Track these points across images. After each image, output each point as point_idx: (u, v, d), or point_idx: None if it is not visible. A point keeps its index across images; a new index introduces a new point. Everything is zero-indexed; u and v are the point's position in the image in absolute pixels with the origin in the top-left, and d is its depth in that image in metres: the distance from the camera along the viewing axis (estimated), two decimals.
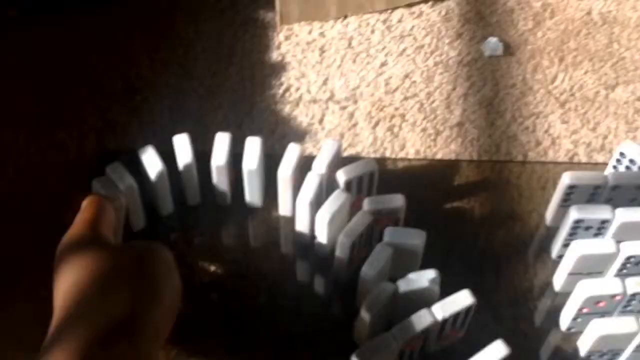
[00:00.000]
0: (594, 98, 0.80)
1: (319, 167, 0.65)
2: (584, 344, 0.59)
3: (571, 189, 0.64)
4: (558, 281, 0.64)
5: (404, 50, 0.85)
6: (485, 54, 0.84)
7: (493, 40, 0.85)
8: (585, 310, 0.59)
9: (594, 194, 0.65)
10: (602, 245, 0.60)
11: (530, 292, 0.65)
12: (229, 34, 0.86)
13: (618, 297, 0.58)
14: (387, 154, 0.75)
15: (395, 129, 0.78)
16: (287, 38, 0.86)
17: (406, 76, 0.82)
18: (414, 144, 0.76)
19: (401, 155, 0.75)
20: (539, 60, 0.84)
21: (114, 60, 0.83)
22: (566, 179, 0.64)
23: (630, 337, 0.56)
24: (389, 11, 0.89)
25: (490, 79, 0.82)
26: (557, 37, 0.86)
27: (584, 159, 0.75)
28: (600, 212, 0.62)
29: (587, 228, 0.63)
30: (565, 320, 0.62)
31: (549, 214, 0.69)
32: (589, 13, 0.89)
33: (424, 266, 0.60)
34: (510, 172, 0.74)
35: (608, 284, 0.58)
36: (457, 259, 0.67)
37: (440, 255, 0.64)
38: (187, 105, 0.79)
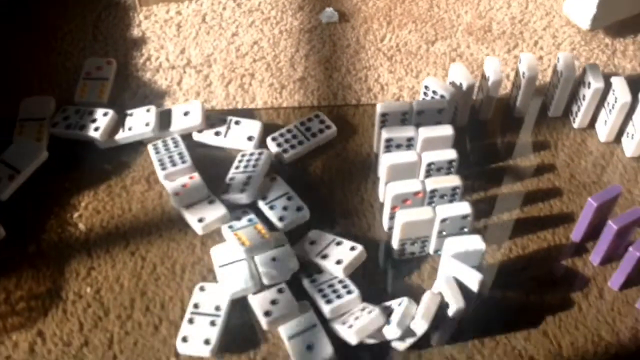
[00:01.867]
0: (416, 52, 0.94)
1: None
2: (395, 235, 0.70)
3: (384, 116, 0.77)
4: (380, 192, 0.77)
5: (253, 22, 0.97)
6: (323, 21, 0.97)
7: (329, 10, 0.97)
8: (396, 210, 0.71)
9: (403, 120, 0.77)
10: (406, 156, 0.72)
11: (361, 204, 0.77)
12: (93, 15, 0.96)
13: (420, 195, 0.70)
14: (239, 106, 0.86)
15: (246, 86, 0.89)
16: (146, 17, 0.96)
17: (255, 43, 0.94)
18: (262, 97, 0.88)
19: (251, 106, 0.86)
20: (370, 24, 0.97)
21: None
22: (379, 108, 0.77)
23: (429, 223, 0.69)
24: None
25: (328, 41, 0.95)
26: (386, 5, 1.00)
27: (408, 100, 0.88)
28: (405, 132, 0.74)
29: (398, 146, 0.75)
30: (385, 221, 0.73)
31: (375, 142, 0.81)
32: None
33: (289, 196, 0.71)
34: (345, 114, 0.86)
35: (410, 184, 0.70)
36: (304, 184, 0.78)
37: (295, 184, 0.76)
38: (54, 77, 0.88)
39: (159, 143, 0.80)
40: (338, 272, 0.68)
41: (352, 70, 0.91)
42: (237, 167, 0.77)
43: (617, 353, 0.66)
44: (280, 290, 0.68)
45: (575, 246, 0.74)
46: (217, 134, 0.81)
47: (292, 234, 0.72)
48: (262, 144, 0.81)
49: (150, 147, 0.79)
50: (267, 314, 0.66)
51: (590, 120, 0.84)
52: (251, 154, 0.78)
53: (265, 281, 0.68)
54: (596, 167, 0.81)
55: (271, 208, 0.74)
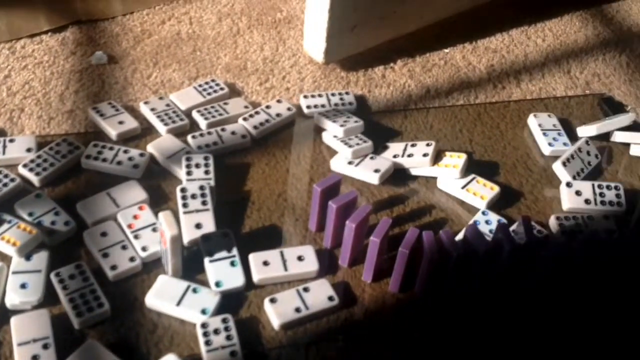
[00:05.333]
0: (179, 86, 1.05)
1: None
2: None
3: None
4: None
5: (26, 65, 1.04)
6: (93, 62, 1.06)
7: (99, 53, 1.07)
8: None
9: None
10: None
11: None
12: None
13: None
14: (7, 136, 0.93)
15: (15, 119, 0.95)
16: None
17: (26, 83, 1.01)
18: (30, 128, 0.95)
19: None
20: (137, 65, 1.08)
21: None
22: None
23: None
24: (14, 41, 1.08)
25: (97, 80, 1.04)
26: (153, 50, 1.11)
27: None
28: None
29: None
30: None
31: None
32: (178, 33, 1.15)
33: None
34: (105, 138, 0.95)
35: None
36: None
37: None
38: None
39: None
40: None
41: (119, 102, 1.00)
42: None
43: None
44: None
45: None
46: None
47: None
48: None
49: None
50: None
51: None
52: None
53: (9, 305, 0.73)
54: None
55: (38, 223, 0.81)
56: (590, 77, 1.16)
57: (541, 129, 1.02)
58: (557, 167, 0.96)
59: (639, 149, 1.01)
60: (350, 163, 0.92)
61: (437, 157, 0.95)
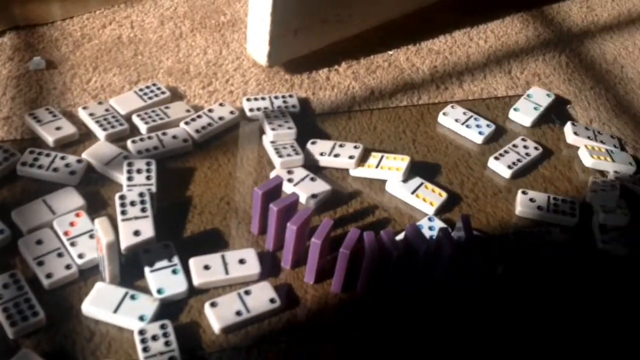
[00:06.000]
0: (120, 90, 1.04)
1: None
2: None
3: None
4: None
5: None
6: (31, 68, 1.04)
7: (37, 58, 1.05)
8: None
9: None
10: None
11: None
12: None
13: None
14: None
15: None
16: None
17: None
18: None
19: None
20: (77, 70, 1.06)
21: None
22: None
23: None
24: None
25: (35, 85, 1.02)
26: (93, 54, 1.10)
27: None
28: None
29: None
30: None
31: None
32: (119, 37, 1.14)
33: None
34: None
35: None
36: None
37: None
38: None
39: None
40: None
41: (57, 108, 0.98)
42: None
43: None
44: None
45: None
46: None
47: None
48: None
49: None
50: None
51: None
52: None
53: None
54: None
55: None
56: (531, 77, 1.18)
57: (461, 124, 1.04)
58: (492, 163, 0.99)
59: (572, 137, 1.04)
60: (289, 181, 0.91)
61: (381, 160, 0.95)
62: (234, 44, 1.15)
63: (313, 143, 0.96)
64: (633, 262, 0.89)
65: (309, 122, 1.02)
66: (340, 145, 0.96)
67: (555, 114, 1.10)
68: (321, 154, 0.94)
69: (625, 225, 0.91)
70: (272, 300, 0.77)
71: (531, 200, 0.93)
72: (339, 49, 1.17)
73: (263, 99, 1.03)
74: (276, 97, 1.03)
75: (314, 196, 0.89)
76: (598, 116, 1.12)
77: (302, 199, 0.90)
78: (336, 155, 0.94)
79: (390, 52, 1.19)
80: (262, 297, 0.78)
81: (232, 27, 1.19)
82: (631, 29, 1.34)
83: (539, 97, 1.10)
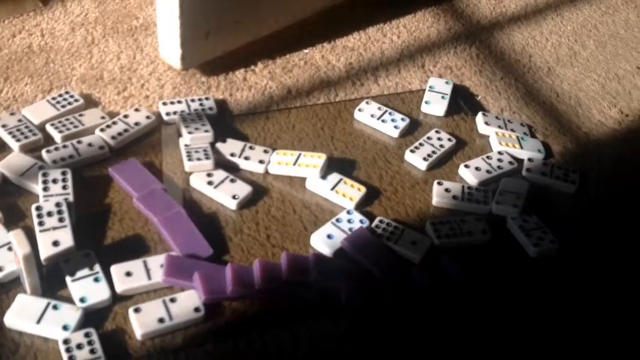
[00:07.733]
0: (33, 100, 1.02)
1: None
2: None
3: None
4: None
5: None
6: None
7: None
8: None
9: None
10: None
11: None
12: None
13: None
14: None
15: None
16: None
17: None
18: None
19: None
20: None
21: None
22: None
23: None
24: None
25: None
26: (3, 64, 1.07)
27: None
28: None
29: None
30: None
31: None
32: (29, 46, 1.12)
33: None
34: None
35: None
36: None
37: None
38: None
39: None
40: None
41: None
42: None
43: None
44: None
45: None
46: None
47: None
48: None
49: None
50: None
51: None
52: None
53: None
54: None
55: None
56: (444, 70, 1.22)
57: (376, 119, 1.06)
58: (408, 156, 1.02)
59: (484, 127, 1.08)
60: (210, 184, 0.91)
61: (298, 158, 0.96)
62: (148, 48, 1.15)
63: (223, 142, 0.97)
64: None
65: (226, 124, 1.02)
66: (251, 147, 0.97)
67: (466, 103, 1.14)
68: (231, 155, 0.95)
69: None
70: (196, 309, 0.78)
71: (446, 190, 0.96)
72: (255, 49, 1.17)
73: (179, 102, 1.03)
74: (193, 100, 1.04)
75: (234, 197, 0.90)
76: (509, 105, 1.17)
77: (224, 201, 0.90)
78: (246, 158, 0.95)
79: (306, 51, 1.21)
80: (187, 305, 0.78)
81: (145, 31, 1.18)
82: (538, 19, 1.39)
83: (441, 86, 1.14)
